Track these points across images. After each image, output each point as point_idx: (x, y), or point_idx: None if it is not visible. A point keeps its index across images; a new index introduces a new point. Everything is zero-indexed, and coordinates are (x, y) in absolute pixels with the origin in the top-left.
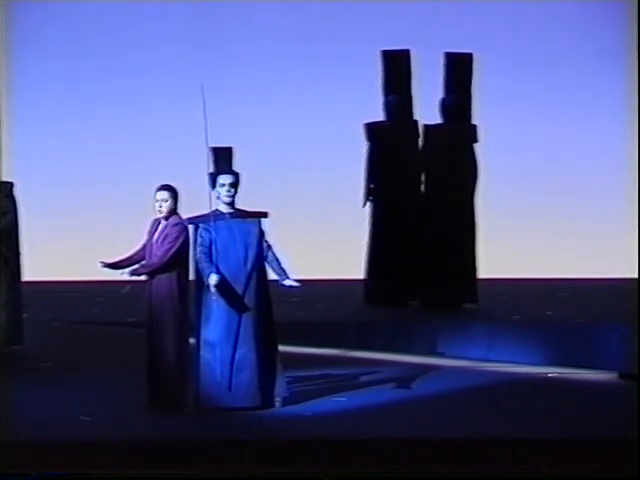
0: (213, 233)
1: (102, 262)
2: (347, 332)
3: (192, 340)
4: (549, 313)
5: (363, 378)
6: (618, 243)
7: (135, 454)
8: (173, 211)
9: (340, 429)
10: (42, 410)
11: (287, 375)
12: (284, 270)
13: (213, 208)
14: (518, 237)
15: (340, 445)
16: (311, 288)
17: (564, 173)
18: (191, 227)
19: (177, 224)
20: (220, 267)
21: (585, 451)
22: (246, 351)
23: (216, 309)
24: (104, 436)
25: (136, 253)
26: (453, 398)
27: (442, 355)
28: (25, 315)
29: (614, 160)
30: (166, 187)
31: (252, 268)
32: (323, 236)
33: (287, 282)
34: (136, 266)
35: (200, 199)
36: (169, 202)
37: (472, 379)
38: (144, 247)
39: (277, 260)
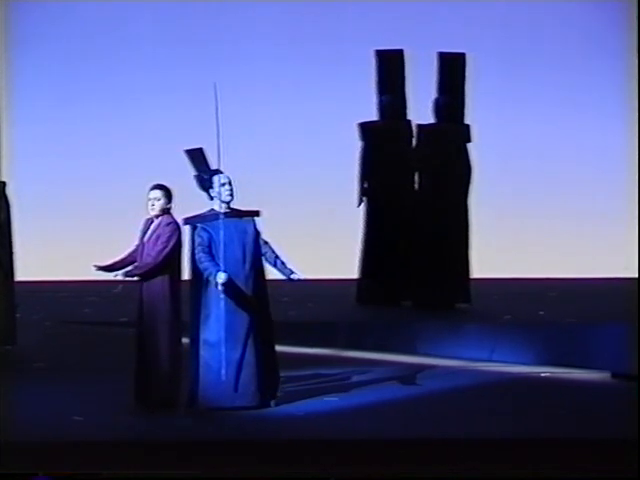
0: (211, 233)
1: (96, 265)
2: (339, 332)
3: (188, 340)
4: (541, 313)
5: (355, 378)
6: (616, 243)
7: (131, 454)
8: (166, 210)
9: (333, 429)
10: (35, 410)
11: (280, 375)
12: (285, 265)
13: (208, 208)
14: (512, 237)
15: (333, 445)
16: (303, 288)
17: (562, 173)
18: (187, 227)
19: (169, 224)
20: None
21: (585, 451)
22: (246, 350)
23: (215, 308)
24: (98, 436)
25: (130, 255)
26: (447, 398)
27: (435, 355)
28: (17, 315)
29: (613, 160)
30: (159, 186)
31: (250, 267)
32: (316, 236)
33: (294, 277)
34: (130, 267)
35: (194, 199)
36: (162, 201)
37: (466, 379)
38: (137, 248)
39: (278, 257)
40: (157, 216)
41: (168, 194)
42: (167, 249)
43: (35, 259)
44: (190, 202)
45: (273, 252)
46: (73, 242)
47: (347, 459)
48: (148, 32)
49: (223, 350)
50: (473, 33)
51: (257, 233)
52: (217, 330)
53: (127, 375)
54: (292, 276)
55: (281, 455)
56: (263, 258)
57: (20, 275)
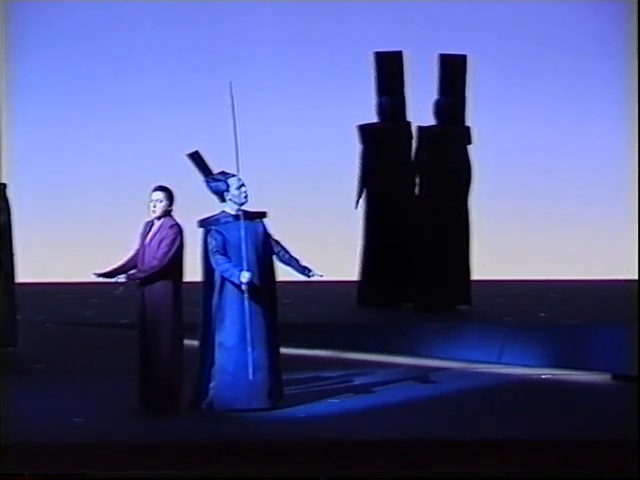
0: (225, 235)
1: (96, 273)
2: (340, 334)
3: (190, 342)
4: (542, 314)
5: (356, 380)
6: (617, 245)
7: (131, 455)
8: (167, 212)
9: (334, 431)
10: (35, 412)
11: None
12: (299, 263)
13: (219, 210)
14: (513, 238)
15: (335, 446)
16: (304, 289)
17: (562, 175)
18: (196, 230)
19: (172, 226)
20: None
21: (585, 451)
22: (261, 352)
23: (231, 310)
24: (98, 438)
25: (131, 259)
26: (448, 399)
27: (436, 357)
28: (18, 316)
29: (613, 162)
30: (161, 188)
31: (263, 269)
32: (316, 237)
33: (312, 275)
34: (133, 271)
35: (195, 201)
36: (164, 203)
37: (468, 380)
38: (137, 252)
39: (292, 256)
40: (158, 218)
41: (170, 196)
42: (172, 251)
43: (36, 261)
44: (191, 204)
45: (286, 251)
46: (74, 244)
47: (349, 461)
48: (149, 34)
49: (249, 349)
50: (473, 34)
51: (268, 234)
52: (234, 332)
53: (128, 377)
54: (310, 274)
55: (282, 457)
56: (276, 258)
57: (21, 276)
